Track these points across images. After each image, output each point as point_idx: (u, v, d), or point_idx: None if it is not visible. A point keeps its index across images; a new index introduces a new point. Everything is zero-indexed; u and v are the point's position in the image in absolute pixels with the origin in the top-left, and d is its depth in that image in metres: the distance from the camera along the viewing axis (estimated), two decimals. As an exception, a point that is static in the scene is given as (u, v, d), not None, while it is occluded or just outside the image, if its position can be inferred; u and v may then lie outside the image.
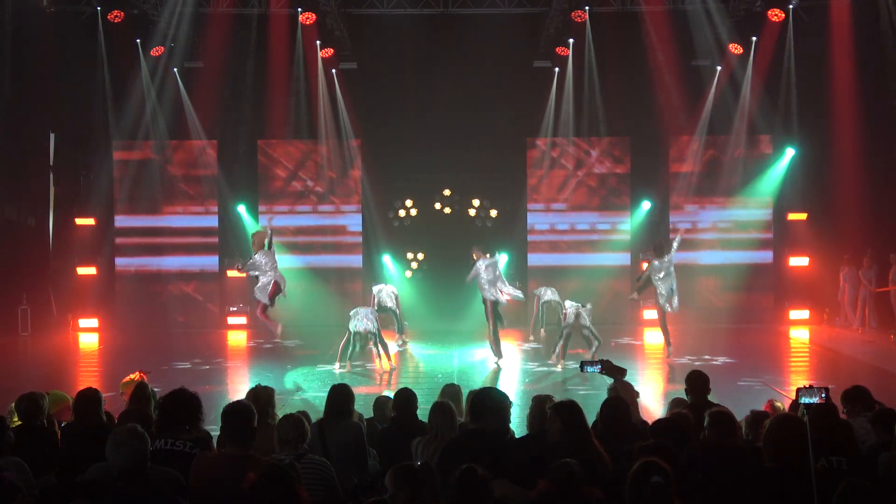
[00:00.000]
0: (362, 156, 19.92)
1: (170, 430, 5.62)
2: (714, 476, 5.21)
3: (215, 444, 6.02)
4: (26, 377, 13.34)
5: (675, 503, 4.31)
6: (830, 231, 19.04)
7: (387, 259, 19.57)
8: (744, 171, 19.67)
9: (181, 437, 5.65)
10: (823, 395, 5.21)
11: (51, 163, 19.60)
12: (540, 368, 14.10)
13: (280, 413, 6.72)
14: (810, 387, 5.24)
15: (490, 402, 5.56)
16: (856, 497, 4.42)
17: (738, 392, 11.82)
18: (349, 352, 13.58)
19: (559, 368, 13.57)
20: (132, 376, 8.58)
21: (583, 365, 6.86)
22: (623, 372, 6.86)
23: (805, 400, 5.18)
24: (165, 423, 5.67)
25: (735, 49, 18.72)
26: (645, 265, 14.73)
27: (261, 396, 6.61)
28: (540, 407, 5.97)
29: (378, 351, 13.61)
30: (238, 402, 5.58)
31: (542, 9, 18.65)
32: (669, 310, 14.26)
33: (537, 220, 19.99)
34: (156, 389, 7.27)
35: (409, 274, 20.08)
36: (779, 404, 7.50)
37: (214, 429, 6.26)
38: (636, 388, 7.17)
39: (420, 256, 20.25)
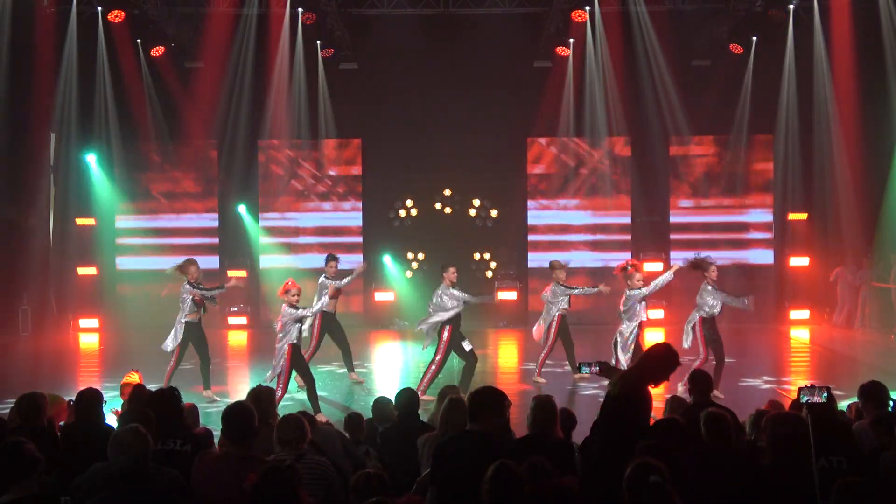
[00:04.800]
0: (362, 156, 19.92)
1: (158, 432, 5.63)
2: (710, 476, 5.21)
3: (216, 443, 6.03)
4: (26, 377, 13.34)
5: (676, 502, 4.30)
6: (830, 231, 19.03)
7: (387, 259, 19.57)
8: (744, 171, 19.68)
9: (171, 436, 5.66)
10: (825, 395, 5.22)
11: (51, 163, 19.60)
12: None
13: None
14: (812, 386, 5.26)
15: (489, 402, 5.46)
16: (852, 496, 4.41)
17: (738, 392, 11.83)
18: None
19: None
20: (129, 376, 8.61)
21: (580, 365, 6.86)
22: (620, 373, 6.86)
23: (806, 399, 5.19)
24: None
25: (735, 49, 18.72)
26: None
27: (262, 397, 6.61)
28: (541, 408, 5.96)
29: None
30: (238, 402, 5.59)
31: (542, 9, 18.64)
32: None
33: (537, 219, 19.99)
34: (154, 388, 7.28)
35: (409, 274, 20.08)
36: (780, 402, 7.51)
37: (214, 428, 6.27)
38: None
39: (420, 256, 20.24)
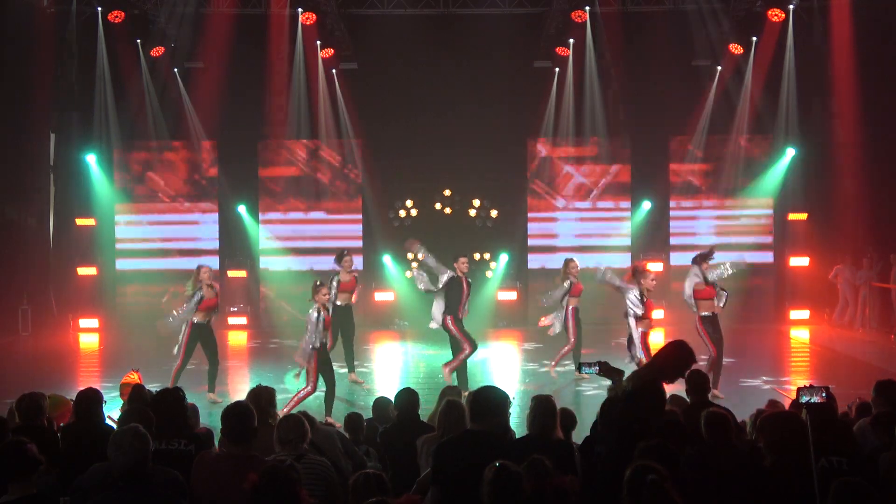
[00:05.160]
0: (362, 156, 19.92)
1: (163, 431, 5.63)
2: (710, 476, 5.20)
3: (217, 442, 6.03)
4: (26, 377, 13.34)
5: (675, 500, 4.30)
6: (830, 231, 19.04)
7: (387, 259, 19.56)
8: (744, 171, 19.69)
9: (175, 436, 5.66)
10: (824, 395, 5.22)
11: (51, 163, 19.60)
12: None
13: None
14: (811, 386, 5.25)
15: (491, 402, 5.47)
16: (849, 496, 4.41)
17: (739, 392, 11.84)
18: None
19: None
20: (129, 377, 8.62)
21: (580, 366, 6.87)
22: (621, 373, 6.86)
23: (805, 399, 5.18)
24: (158, 424, 5.69)
25: (735, 49, 18.72)
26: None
27: (262, 396, 6.61)
28: (541, 408, 5.97)
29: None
30: (237, 402, 5.59)
31: (542, 9, 18.65)
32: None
33: (537, 220, 19.98)
34: (154, 388, 7.29)
35: (409, 274, 20.06)
36: (780, 402, 7.51)
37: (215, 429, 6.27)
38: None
39: (420, 257, 20.22)
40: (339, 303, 13.01)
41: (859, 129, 18.04)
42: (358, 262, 19.52)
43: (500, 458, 4.63)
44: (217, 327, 19.00)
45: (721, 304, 11.75)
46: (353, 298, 13.41)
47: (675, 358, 5.66)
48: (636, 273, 11.30)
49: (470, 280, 12.54)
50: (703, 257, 11.95)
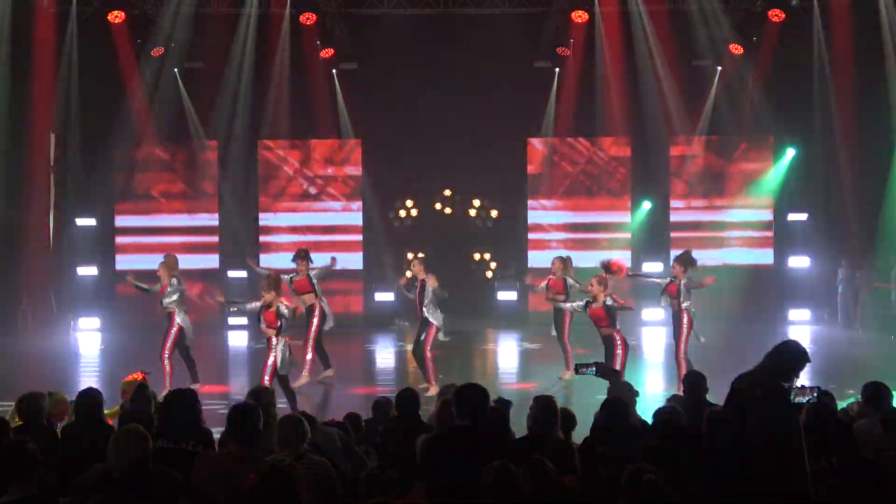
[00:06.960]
0: (362, 156, 19.91)
1: (172, 430, 5.64)
2: (709, 476, 5.19)
3: (217, 443, 6.03)
4: (26, 377, 13.33)
5: (672, 499, 4.31)
6: (830, 231, 19.04)
7: (387, 259, 19.53)
8: (744, 172, 19.69)
9: (184, 436, 5.66)
10: (815, 395, 5.19)
11: (51, 163, 19.59)
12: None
13: None
14: (802, 386, 5.22)
15: (480, 399, 5.46)
16: (843, 496, 4.40)
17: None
18: None
19: None
20: (133, 376, 8.61)
21: (577, 367, 6.87)
22: (617, 373, 6.87)
23: (798, 400, 5.16)
24: (167, 423, 5.69)
25: (735, 49, 18.72)
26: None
27: (261, 396, 6.61)
28: (541, 408, 5.97)
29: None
30: (244, 402, 5.59)
31: (542, 9, 18.65)
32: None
33: (537, 220, 19.98)
34: (154, 390, 7.30)
35: (409, 274, 20.04)
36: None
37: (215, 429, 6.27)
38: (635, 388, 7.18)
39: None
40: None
41: (859, 128, 18.03)
42: (358, 260, 19.59)
43: (487, 453, 4.64)
44: (217, 327, 19.16)
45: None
46: (298, 305, 13.12)
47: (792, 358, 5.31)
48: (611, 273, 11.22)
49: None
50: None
